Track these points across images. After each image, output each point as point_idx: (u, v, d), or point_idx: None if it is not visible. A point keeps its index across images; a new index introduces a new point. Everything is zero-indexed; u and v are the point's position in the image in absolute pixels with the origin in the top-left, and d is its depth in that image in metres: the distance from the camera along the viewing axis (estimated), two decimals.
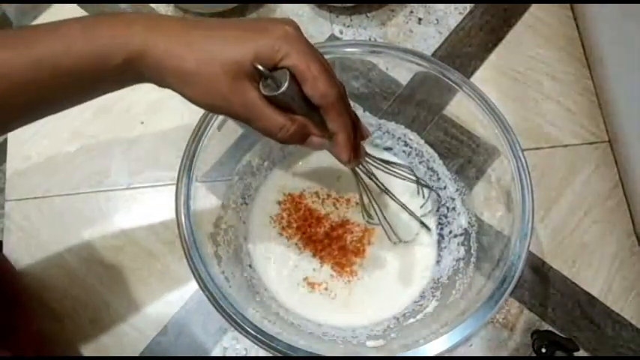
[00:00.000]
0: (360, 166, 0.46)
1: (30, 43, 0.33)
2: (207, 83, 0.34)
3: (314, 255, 0.55)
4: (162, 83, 0.35)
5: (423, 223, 0.55)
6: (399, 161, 0.55)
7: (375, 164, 0.49)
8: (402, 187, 0.55)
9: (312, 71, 0.34)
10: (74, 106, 0.37)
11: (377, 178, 0.49)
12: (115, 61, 0.33)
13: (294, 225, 0.56)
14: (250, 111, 0.35)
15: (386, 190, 0.51)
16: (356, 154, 0.41)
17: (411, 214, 0.54)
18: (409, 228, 0.56)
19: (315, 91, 0.35)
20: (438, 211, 0.57)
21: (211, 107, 0.36)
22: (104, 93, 0.37)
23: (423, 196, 0.56)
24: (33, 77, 0.33)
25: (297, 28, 0.35)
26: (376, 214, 0.52)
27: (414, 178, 0.54)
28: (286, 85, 0.34)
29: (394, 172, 0.51)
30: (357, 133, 0.40)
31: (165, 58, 0.33)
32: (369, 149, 0.46)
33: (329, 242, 0.55)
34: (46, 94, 0.34)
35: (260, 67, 0.33)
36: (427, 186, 0.56)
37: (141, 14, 0.35)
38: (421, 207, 0.56)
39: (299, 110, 0.37)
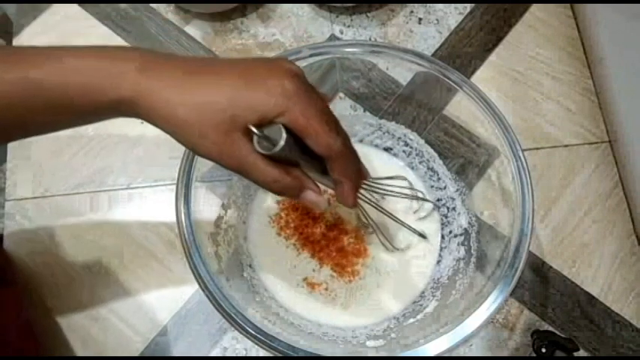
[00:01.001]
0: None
1: (24, 67, 0.32)
2: (198, 134, 0.33)
3: (312, 256, 0.55)
4: (154, 126, 0.34)
5: (419, 234, 0.55)
6: (393, 174, 0.55)
7: (370, 187, 0.49)
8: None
9: (313, 125, 0.33)
10: (66, 130, 0.36)
11: (371, 197, 0.50)
12: (105, 101, 0.33)
13: (292, 225, 0.56)
14: (242, 164, 0.34)
15: (381, 210, 0.51)
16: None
17: (408, 227, 0.53)
18: (404, 236, 0.55)
19: (318, 146, 0.34)
20: (438, 210, 0.57)
21: (202, 155, 0.35)
22: (96, 122, 0.36)
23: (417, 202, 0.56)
24: (23, 100, 0.32)
25: (297, 77, 0.34)
26: (370, 225, 0.52)
27: (408, 192, 0.53)
28: (281, 144, 0.33)
29: (389, 191, 0.51)
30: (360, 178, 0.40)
31: (157, 104, 0.33)
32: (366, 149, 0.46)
33: (326, 243, 0.55)
34: (36, 118, 0.34)
35: (254, 130, 0.32)
36: (423, 199, 0.56)
37: (140, 52, 0.34)
38: (415, 212, 0.56)
39: (296, 161, 0.36)
